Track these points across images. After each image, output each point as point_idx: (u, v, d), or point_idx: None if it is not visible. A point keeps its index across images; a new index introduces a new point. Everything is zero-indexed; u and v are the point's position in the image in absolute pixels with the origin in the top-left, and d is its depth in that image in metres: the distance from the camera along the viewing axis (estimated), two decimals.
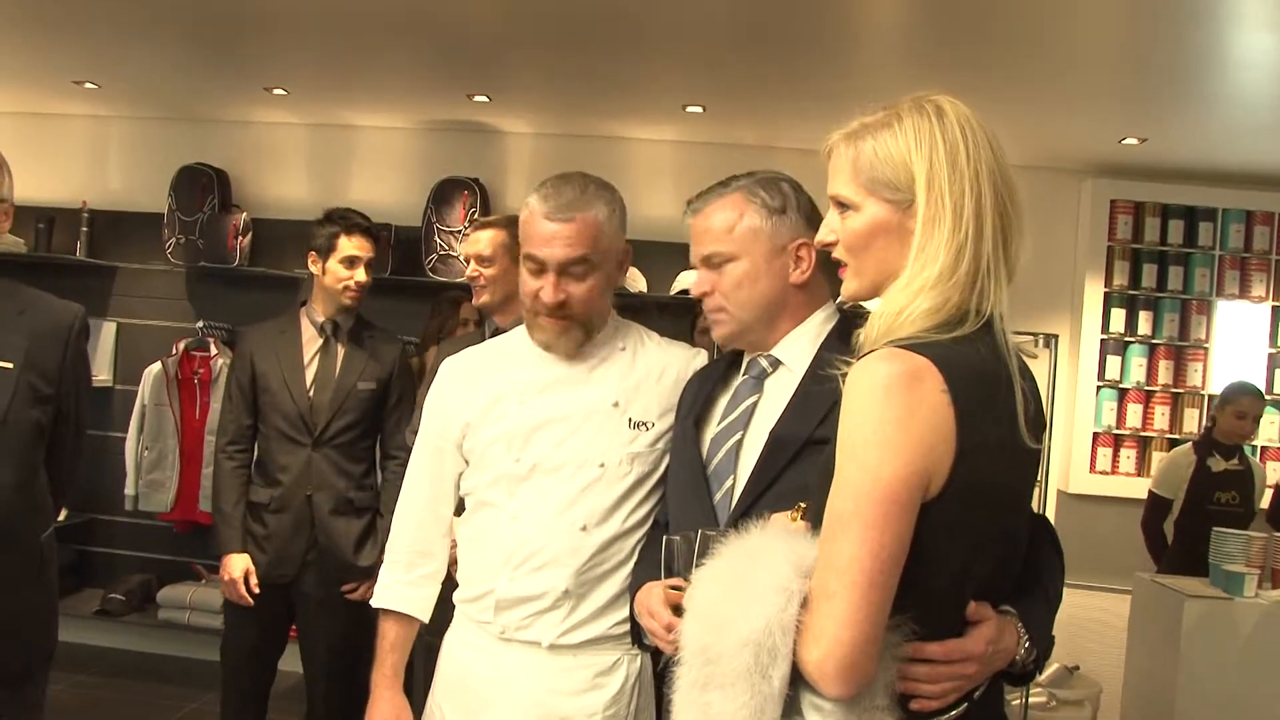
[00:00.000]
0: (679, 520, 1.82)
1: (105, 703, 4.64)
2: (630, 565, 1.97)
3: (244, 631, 3.36)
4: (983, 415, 1.27)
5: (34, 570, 2.49)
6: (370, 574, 3.34)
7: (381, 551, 3.39)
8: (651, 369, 2.05)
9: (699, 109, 4.79)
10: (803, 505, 1.47)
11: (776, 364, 1.83)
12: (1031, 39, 3.60)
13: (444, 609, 2.15)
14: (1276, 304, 5.28)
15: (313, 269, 3.40)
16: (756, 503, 1.66)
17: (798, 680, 1.26)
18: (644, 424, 2.00)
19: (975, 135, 1.34)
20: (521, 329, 2.12)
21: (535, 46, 4.10)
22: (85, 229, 5.37)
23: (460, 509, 2.19)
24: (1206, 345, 5.31)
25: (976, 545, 1.33)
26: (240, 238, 5.20)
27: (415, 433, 2.24)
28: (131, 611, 5.16)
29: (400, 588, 2.13)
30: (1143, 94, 4.16)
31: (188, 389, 5.08)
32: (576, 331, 2.00)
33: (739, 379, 1.88)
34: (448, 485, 2.12)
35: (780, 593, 1.25)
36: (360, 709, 3.39)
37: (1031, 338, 4.43)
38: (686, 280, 5.03)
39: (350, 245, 3.35)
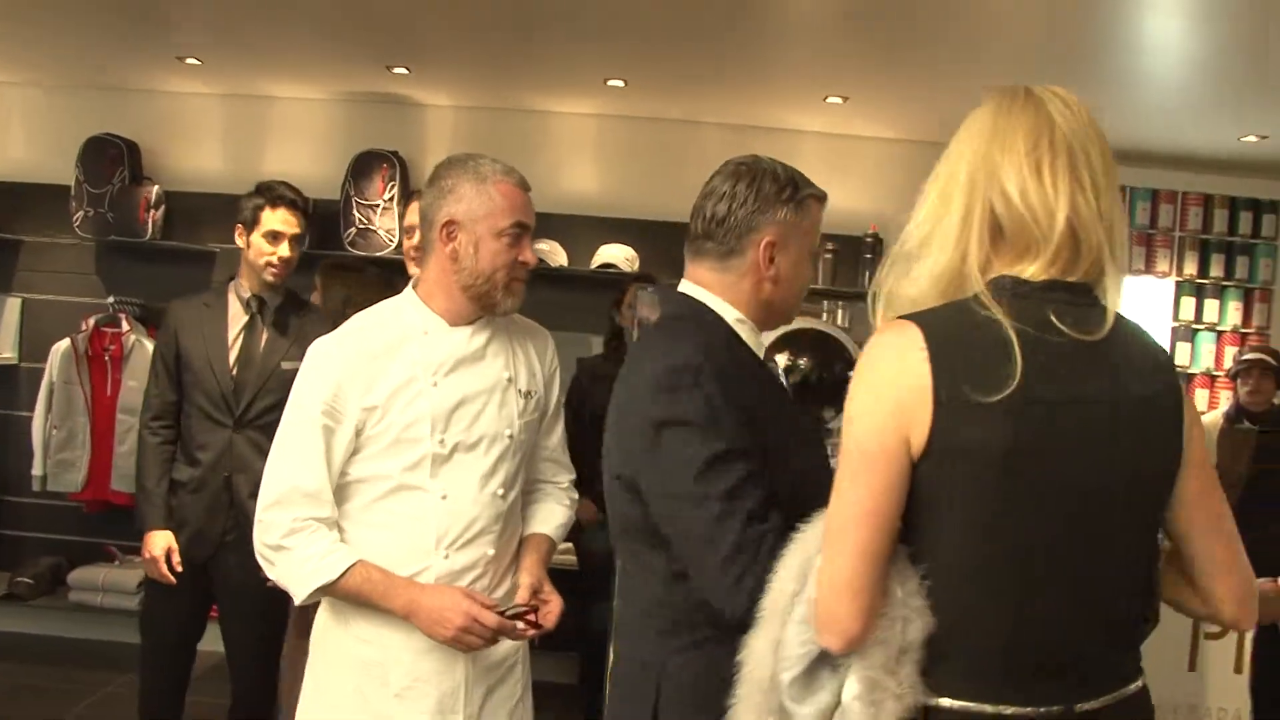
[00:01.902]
0: None
1: (15, 689, 4.52)
2: (517, 521, 2.20)
3: (165, 611, 3.29)
4: (969, 372, 1.29)
5: None
6: None
7: None
8: (520, 339, 2.22)
9: (620, 83, 4.78)
10: None
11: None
12: (943, 20, 3.67)
13: None
14: (1179, 279, 5.47)
15: (239, 242, 3.28)
16: None
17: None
18: (529, 393, 2.20)
19: (966, 125, 1.49)
20: (389, 304, 2.17)
21: (455, 18, 4.05)
22: None
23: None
24: None
25: (1004, 508, 1.29)
26: (152, 210, 5.06)
27: None
28: (41, 595, 5.03)
29: (332, 556, 2.02)
30: (1052, 75, 4.19)
31: (98, 366, 4.95)
32: None
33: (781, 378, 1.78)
34: (337, 468, 2.06)
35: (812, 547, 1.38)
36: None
37: None
38: (607, 254, 5.02)
39: (274, 219, 3.21)
